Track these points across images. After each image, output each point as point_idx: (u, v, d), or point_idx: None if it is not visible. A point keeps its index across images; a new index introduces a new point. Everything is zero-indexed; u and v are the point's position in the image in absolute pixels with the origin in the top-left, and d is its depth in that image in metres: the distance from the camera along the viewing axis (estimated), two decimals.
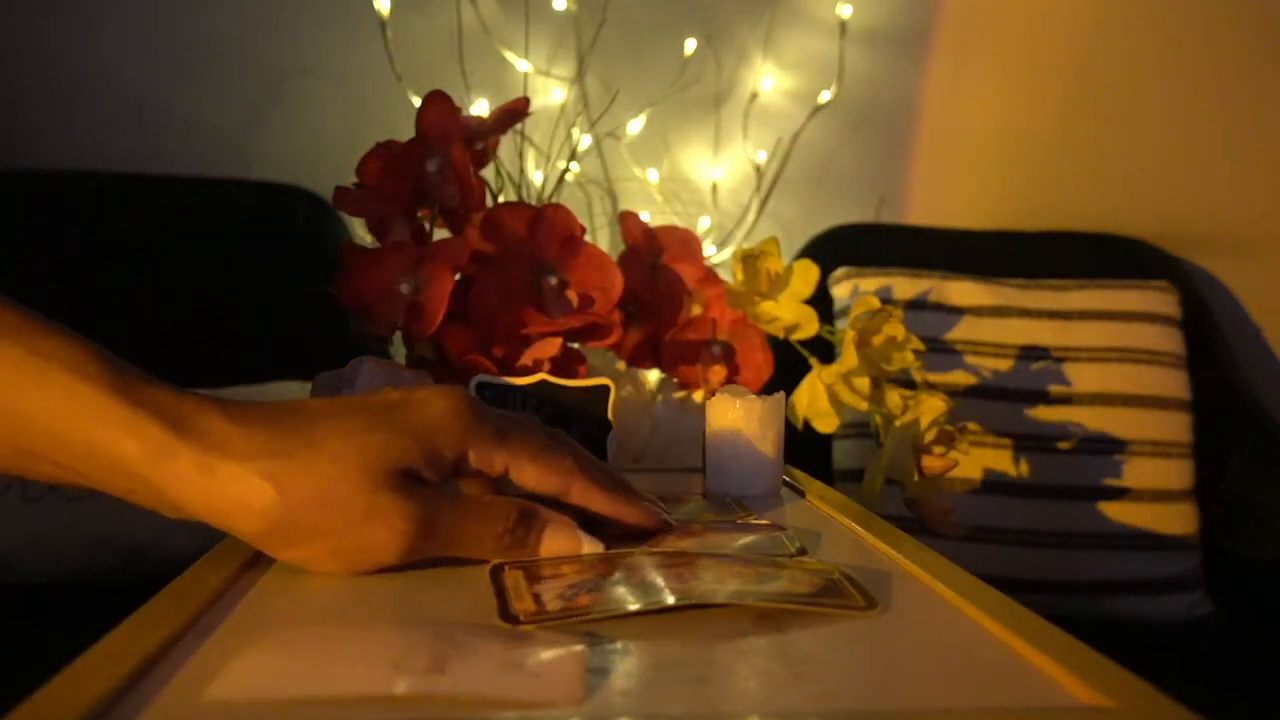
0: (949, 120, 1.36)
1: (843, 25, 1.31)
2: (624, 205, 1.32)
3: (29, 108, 1.25)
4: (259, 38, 1.27)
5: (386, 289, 0.67)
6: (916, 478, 0.67)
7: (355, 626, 0.32)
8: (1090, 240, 1.28)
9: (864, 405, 0.69)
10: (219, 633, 0.31)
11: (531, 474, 0.39)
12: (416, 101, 1.08)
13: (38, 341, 0.34)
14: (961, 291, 1.13)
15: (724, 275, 0.94)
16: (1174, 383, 1.10)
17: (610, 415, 0.55)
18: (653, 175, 1.32)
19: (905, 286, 1.13)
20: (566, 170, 1.21)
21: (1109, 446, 1.06)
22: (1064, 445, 1.06)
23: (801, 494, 0.56)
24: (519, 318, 0.68)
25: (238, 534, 0.35)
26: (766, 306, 0.72)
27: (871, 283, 1.13)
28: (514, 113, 0.77)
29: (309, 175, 1.20)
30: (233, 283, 1.11)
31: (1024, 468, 1.05)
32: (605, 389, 0.55)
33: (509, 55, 1.28)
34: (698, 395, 0.76)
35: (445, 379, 0.68)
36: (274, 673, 0.28)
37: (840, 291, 1.16)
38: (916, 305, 1.12)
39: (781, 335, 0.73)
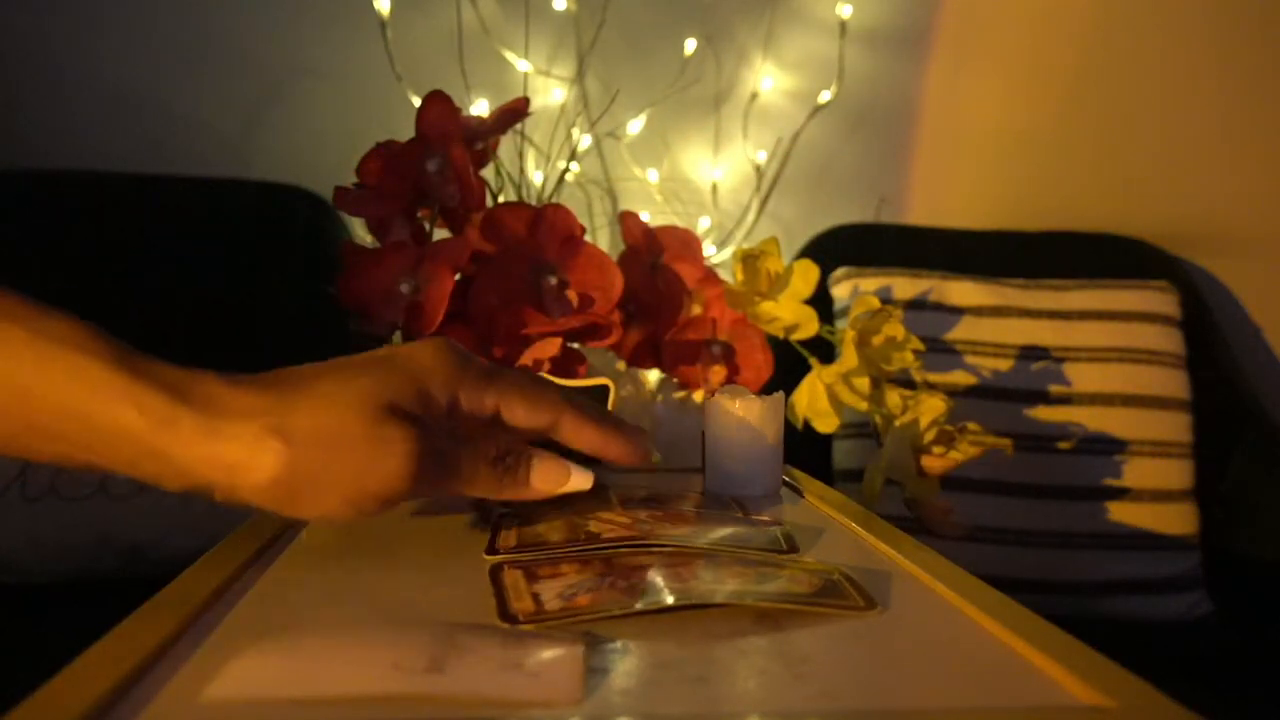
0: (949, 120, 1.36)
1: (843, 25, 1.31)
2: (624, 205, 1.32)
3: (29, 108, 1.25)
4: (259, 38, 1.27)
5: (386, 289, 0.67)
6: (916, 478, 0.67)
7: (355, 626, 0.32)
8: (1090, 240, 1.28)
9: (864, 405, 0.69)
10: (219, 633, 0.31)
11: (522, 411, 0.40)
12: (416, 101, 1.08)
13: (39, 323, 0.34)
14: (961, 291, 1.13)
15: (724, 275, 0.94)
16: (1174, 383, 1.09)
17: None
18: (653, 175, 1.32)
19: (905, 286, 1.13)
20: (566, 170, 1.21)
21: (1109, 446, 1.06)
22: (1064, 445, 1.06)
23: (801, 494, 0.55)
24: (519, 318, 0.68)
25: (246, 496, 0.35)
26: (766, 306, 0.72)
27: (871, 283, 1.13)
28: (514, 113, 0.77)
29: (309, 175, 1.20)
30: (233, 283, 1.11)
31: (1024, 468, 1.05)
32: (605, 389, 0.55)
33: (509, 55, 1.28)
34: (698, 395, 0.76)
35: None
36: (273, 673, 0.28)
37: (840, 291, 1.16)
38: (916, 305, 1.12)
39: (781, 335, 0.73)
